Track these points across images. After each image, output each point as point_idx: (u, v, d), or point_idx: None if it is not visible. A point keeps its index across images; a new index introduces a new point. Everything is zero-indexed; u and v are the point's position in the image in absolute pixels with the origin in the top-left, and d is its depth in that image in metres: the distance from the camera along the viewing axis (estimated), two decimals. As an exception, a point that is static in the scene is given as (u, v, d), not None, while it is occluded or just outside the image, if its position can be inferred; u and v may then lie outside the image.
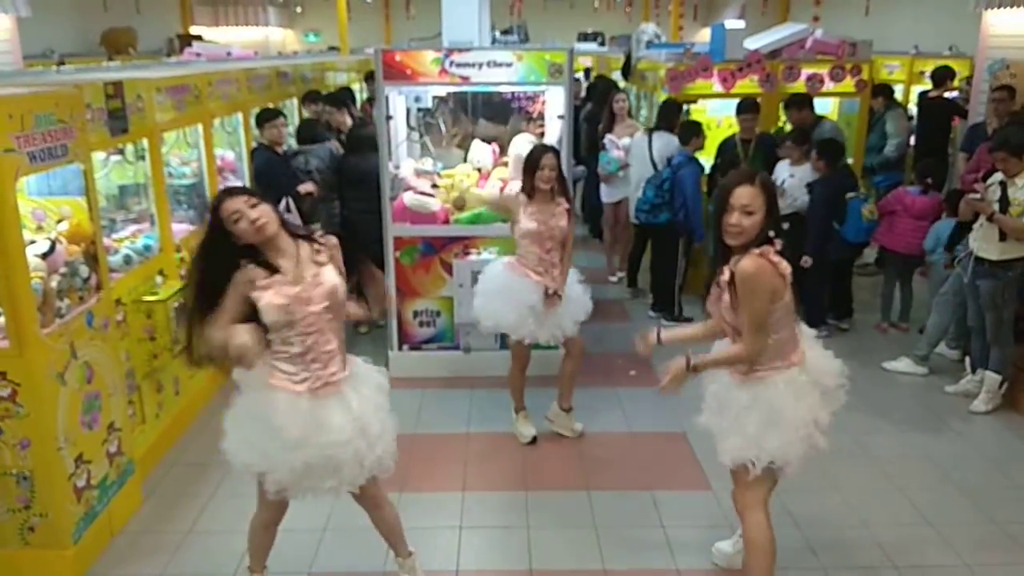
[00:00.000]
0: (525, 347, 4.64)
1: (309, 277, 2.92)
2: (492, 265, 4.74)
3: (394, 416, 3.23)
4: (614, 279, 7.90)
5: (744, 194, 2.91)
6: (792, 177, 6.40)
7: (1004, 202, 4.87)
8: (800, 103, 6.74)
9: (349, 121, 6.81)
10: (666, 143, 6.70)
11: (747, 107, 6.76)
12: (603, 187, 7.71)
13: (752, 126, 6.80)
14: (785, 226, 6.38)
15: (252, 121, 6.21)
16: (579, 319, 4.60)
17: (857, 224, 6.10)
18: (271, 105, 6.52)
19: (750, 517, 3.20)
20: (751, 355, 3.02)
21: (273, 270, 2.89)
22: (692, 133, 6.51)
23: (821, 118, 6.88)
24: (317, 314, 2.92)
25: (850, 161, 7.27)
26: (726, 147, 6.88)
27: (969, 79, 9.31)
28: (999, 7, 7.72)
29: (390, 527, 3.43)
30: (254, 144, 6.19)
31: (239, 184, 6.24)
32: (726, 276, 2.98)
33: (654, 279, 6.97)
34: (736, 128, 6.97)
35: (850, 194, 6.10)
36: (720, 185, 3.05)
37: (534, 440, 4.77)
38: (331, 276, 2.95)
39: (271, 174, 5.87)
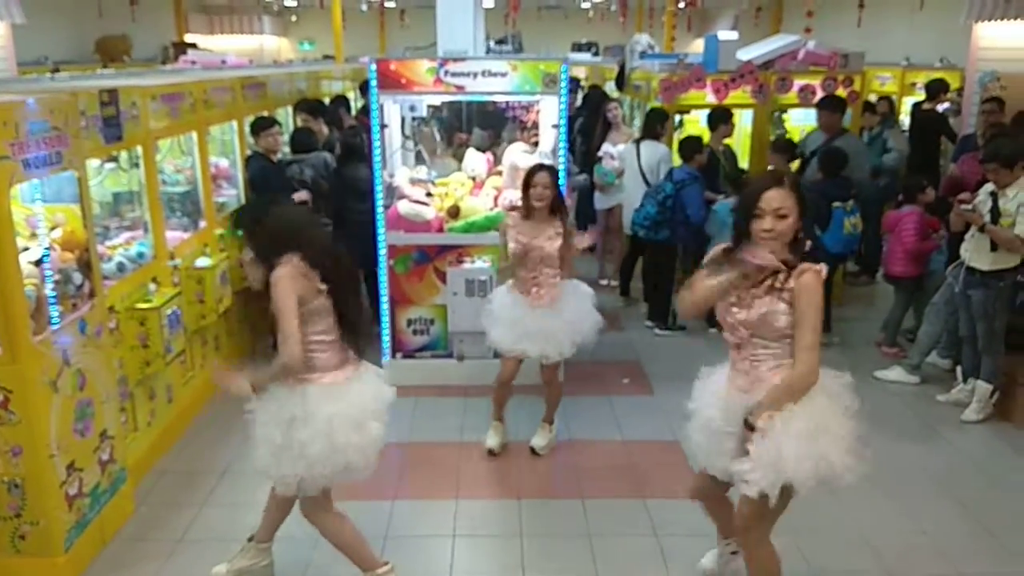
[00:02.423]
0: (514, 360, 4.62)
1: None
2: (499, 288, 4.78)
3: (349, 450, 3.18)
4: (604, 282, 7.94)
5: (775, 197, 2.81)
6: None
7: (995, 213, 4.90)
8: (833, 107, 6.69)
9: (325, 130, 6.80)
10: (653, 151, 6.75)
11: (717, 117, 6.88)
12: (597, 194, 7.74)
13: (724, 135, 6.87)
14: None
15: (247, 129, 6.21)
16: (577, 340, 4.58)
17: (837, 234, 5.98)
18: (265, 113, 6.53)
19: (764, 550, 3.12)
20: (812, 374, 2.84)
21: None
22: (694, 150, 6.52)
23: (845, 130, 6.84)
24: None
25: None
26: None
27: (960, 90, 9.39)
28: (990, 19, 7.79)
29: (340, 549, 3.43)
30: (249, 152, 6.19)
31: (233, 192, 6.26)
32: (785, 285, 2.84)
33: (648, 289, 6.98)
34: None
35: (836, 203, 5.98)
36: (746, 191, 2.98)
37: (492, 453, 4.74)
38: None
39: (266, 182, 5.88)
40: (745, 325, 2.94)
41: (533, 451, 4.75)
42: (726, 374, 3.14)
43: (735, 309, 2.96)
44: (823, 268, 2.88)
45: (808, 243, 2.96)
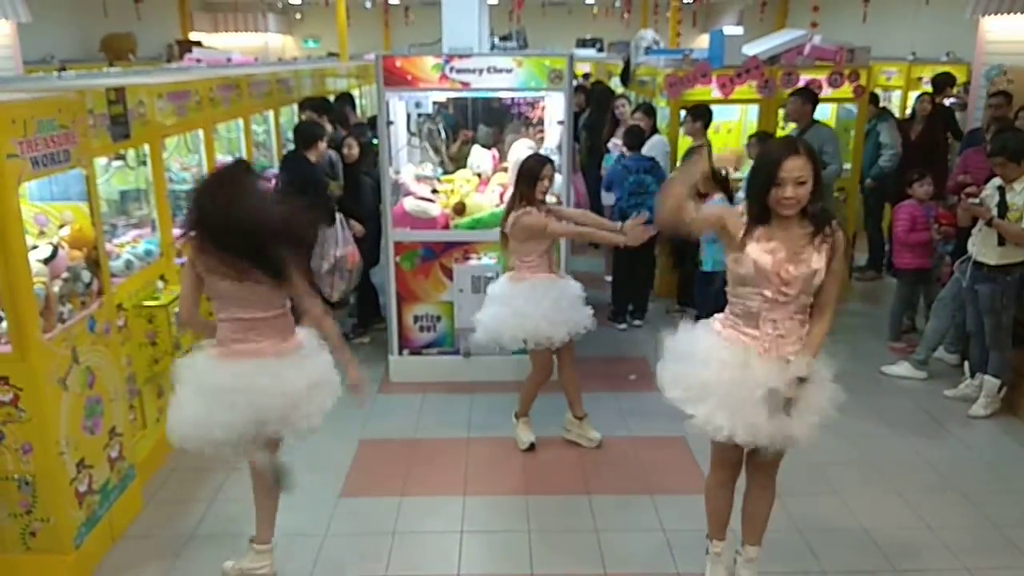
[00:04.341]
0: (548, 355, 4.61)
1: None
2: (495, 285, 4.71)
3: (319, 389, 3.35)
4: (609, 279, 7.92)
5: (795, 166, 2.90)
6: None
7: (1002, 207, 4.89)
8: (805, 97, 6.66)
9: (330, 128, 6.77)
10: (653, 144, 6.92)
11: (692, 111, 6.86)
12: (603, 190, 7.71)
13: (691, 131, 6.83)
14: None
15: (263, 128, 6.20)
16: (588, 312, 4.59)
17: None
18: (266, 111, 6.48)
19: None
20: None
21: None
22: (641, 139, 6.69)
23: (816, 122, 6.83)
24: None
25: (847, 166, 7.30)
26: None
27: (967, 85, 9.35)
28: (996, 13, 7.76)
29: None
30: (285, 152, 6.16)
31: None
32: (830, 244, 3.00)
33: (638, 291, 6.96)
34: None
35: None
36: (764, 158, 3.03)
37: (532, 447, 4.77)
38: None
39: (315, 184, 5.84)
40: (798, 281, 2.99)
41: (599, 445, 4.78)
42: (727, 336, 3.14)
43: (790, 266, 2.99)
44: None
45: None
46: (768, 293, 3.01)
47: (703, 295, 6.66)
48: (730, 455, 3.28)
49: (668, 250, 7.21)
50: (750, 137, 6.79)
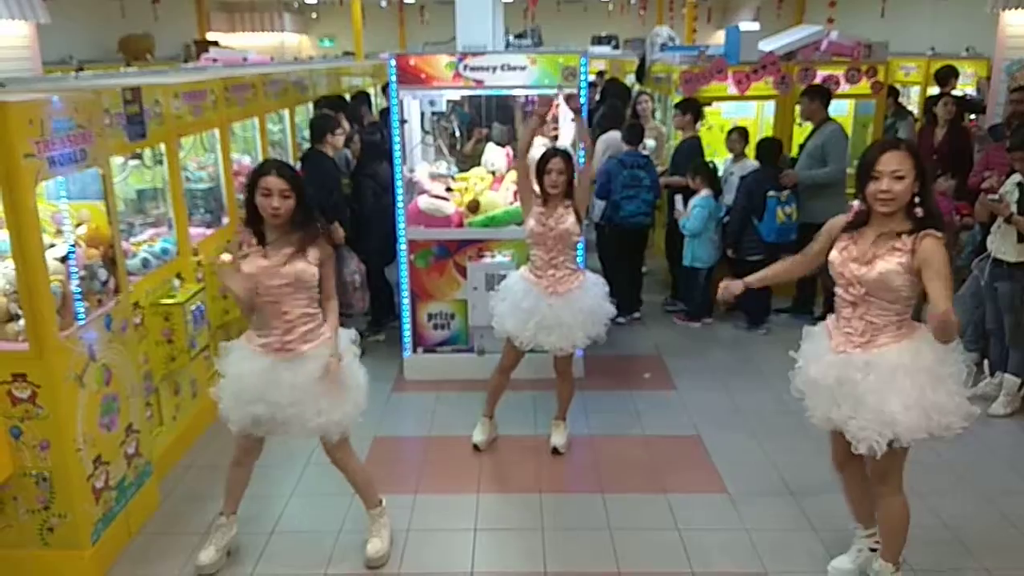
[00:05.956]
0: (516, 350, 4.60)
1: (282, 257, 3.36)
2: (512, 273, 4.72)
3: (357, 391, 3.57)
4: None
5: (893, 159, 2.90)
6: (732, 175, 6.66)
7: (1022, 204, 4.83)
8: (813, 95, 6.56)
9: (347, 126, 6.80)
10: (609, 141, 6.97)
11: (680, 105, 6.90)
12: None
13: (680, 124, 6.87)
14: (727, 219, 6.56)
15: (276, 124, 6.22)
16: (591, 334, 4.52)
17: (771, 223, 6.25)
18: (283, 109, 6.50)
19: (897, 499, 3.35)
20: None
21: (261, 239, 3.40)
22: (639, 135, 6.69)
23: (830, 119, 6.67)
24: (277, 287, 3.36)
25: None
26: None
27: (987, 79, 9.25)
28: (1017, 8, 7.68)
29: (355, 485, 3.77)
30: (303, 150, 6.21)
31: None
32: (905, 248, 2.94)
33: (633, 283, 6.95)
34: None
35: (771, 192, 6.23)
36: (864, 156, 3.03)
37: (476, 448, 4.72)
38: (301, 264, 3.37)
39: (336, 181, 5.88)
40: (862, 282, 3.02)
41: (556, 451, 4.70)
42: (828, 331, 3.23)
43: (854, 265, 3.03)
44: (942, 238, 2.94)
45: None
46: (842, 291, 3.09)
47: (688, 289, 6.72)
48: (837, 446, 3.38)
49: (666, 248, 7.20)
50: (730, 131, 6.81)
